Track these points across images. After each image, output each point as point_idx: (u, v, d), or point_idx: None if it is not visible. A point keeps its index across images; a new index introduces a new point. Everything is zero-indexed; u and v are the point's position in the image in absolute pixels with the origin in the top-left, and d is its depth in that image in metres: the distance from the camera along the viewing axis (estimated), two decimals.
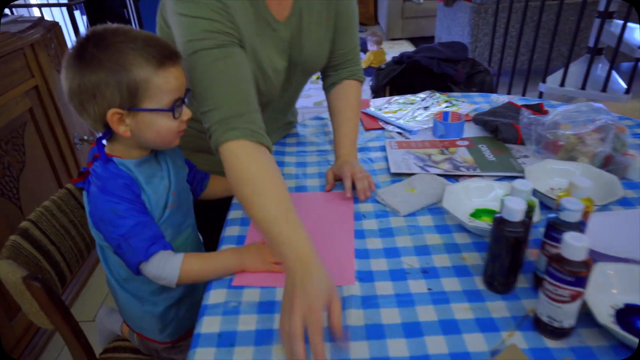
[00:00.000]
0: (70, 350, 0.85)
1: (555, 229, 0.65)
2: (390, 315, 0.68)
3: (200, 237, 0.99)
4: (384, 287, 0.74)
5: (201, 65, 0.78)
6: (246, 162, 0.76)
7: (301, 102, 3.49)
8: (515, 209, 0.64)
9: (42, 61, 1.56)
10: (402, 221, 0.90)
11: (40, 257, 0.84)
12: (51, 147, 1.63)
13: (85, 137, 1.80)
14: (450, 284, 0.74)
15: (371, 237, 0.86)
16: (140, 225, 0.74)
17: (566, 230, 0.64)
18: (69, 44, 1.88)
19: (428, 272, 0.77)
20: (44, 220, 0.87)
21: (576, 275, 0.57)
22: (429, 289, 0.73)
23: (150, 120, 0.73)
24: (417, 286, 0.74)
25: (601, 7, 2.58)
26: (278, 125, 1.21)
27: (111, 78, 0.68)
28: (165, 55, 0.71)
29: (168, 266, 0.75)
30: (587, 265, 0.57)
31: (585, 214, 0.66)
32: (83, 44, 0.69)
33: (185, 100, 0.77)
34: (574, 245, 0.56)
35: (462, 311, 0.68)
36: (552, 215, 0.67)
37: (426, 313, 0.68)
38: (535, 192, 0.86)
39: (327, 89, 1.13)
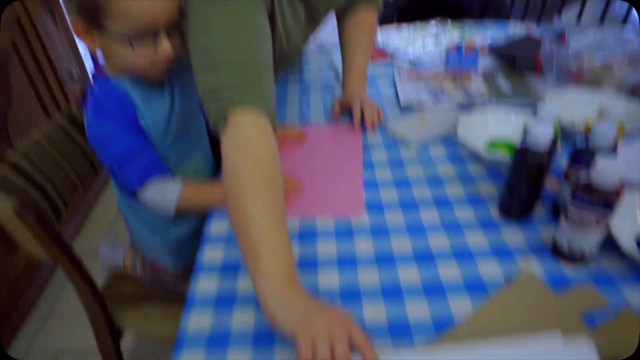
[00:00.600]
0: (72, 282, 0.83)
1: (583, 154, 0.61)
2: (401, 244, 0.65)
3: (214, 164, 0.92)
4: (395, 217, 0.70)
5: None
6: (254, 143, 0.59)
7: None
8: (542, 135, 0.59)
9: None
10: (413, 152, 0.85)
11: (33, 191, 0.79)
12: (38, 83, 1.54)
13: (75, 74, 1.71)
14: (464, 213, 0.70)
15: (380, 169, 0.81)
16: (133, 151, 0.69)
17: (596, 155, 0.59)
18: None
19: (440, 202, 0.73)
20: (34, 153, 0.82)
21: (606, 201, 0.52)
22: (442, 219, 0.70)
23: (112, 45, 0.64)
24: (429, 216, 0.70)
25: None
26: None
27: None
28: None
29: (166, 194, 0.72)
30: (618, 192, 0.52)
31: (616, 140, 0.61)
32: None
33: (169, 36, 0.65)
34: (606, 170, 0.51)
35: (476, 239, 0.65)
36: (581, 140, 0.61)
37: (439, 241, 0.65)
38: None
39: (339, 15, 1.02)
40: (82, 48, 1.86)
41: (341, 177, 0.79)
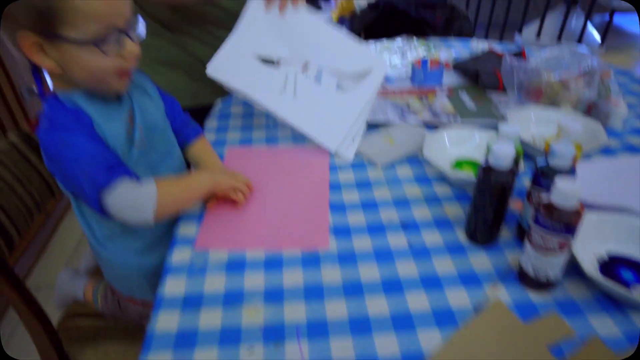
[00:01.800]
0: (22, 320, 0.78)
1: (544, 175, 0.62)
2: (369, 272, 0.64)
3: None
4: (362, 243, 0.69)
5: None
6: None
7: None
8: (504, 155, 0.59)
9: None
10: (380, 173, 0.85)
11: None
12: None
13: (34, 88, 1.64)
14: (431, 237, 0.70)
15: (347, 190, 0.80)
16: (95, 151, 0.63)
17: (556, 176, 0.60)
18: None
19: (408, 226, 0.72)
20: None
21: (567, 223, 0.53)
22: (409, 244, 0.69)
23: (75, 54, 0.59)
24: (397, 240, 0.70)
25: None
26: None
27: None
28: None
29: (141, 193, 0.65)
30: (578, 213, 0.53)
31: (574, 161, 0.62)
32: None
33: (131, 32, 0.63)
34: (566, 191, 0.52)
35: (443, 265, 0.65)
36: (541, 161, 0.62)
37: (407, 268, 0.65)
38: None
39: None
40: None
41: (307, 206, 0.77)
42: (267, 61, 0.90)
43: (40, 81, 0.65)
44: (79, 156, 0.62)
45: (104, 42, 0.59)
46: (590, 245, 0.64)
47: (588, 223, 0.64)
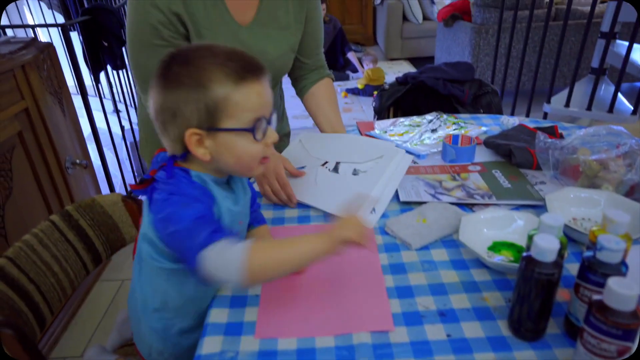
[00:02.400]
0: None
1: (592, 269, 0.58)
2: None
3: None
4: (398, 333, 0.66)
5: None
6: None
7: (301, 123, 3.45)
8: (548, 249, 0.57)
9: (33, 83, 1.51)
10: (414, 255, 0.83)
11: (16, 299, 0.76)
12: (41, 172, 1.56)
13: (78, 161, 1.73)
14: (472, 329, 0.66)
15: (383, 275, 0.78)
16: (206, 217, 0.64)
17: (605, 271, 0.57)
18: (65, 66, 1.84)
19: (446, 315, 0.69)
20: (22, 256, 0.79)
21: (625, 328, 0.49)
22: (448, 335, 0.65)
23: (230, 142, 0.66)
24: (435, 332, 0.66)
25: (604, 28, 2.56)
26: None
27: (190, 96, 0.63)
28: (246, 69, 0.65)
29: (228, 253, 0.62)
30: (637, 316, 0.49)
31: (625, 253, 0.59)
32: (167, 62, 0.66)
33: (272, 121, 0.70)
34: (621, 294, 0.49)
35: None
36: (588, 253, 0.59)
37: None
38: None
39: (301, 93, 1.21)
40: (86, 135, 1.91)
41: (365, 287, 0.75)
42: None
43: (172, 160, 0.69)
44: (190, 215, 0.62)
45: (256, 130, 0.66)
46: None
47: None
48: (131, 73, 0.99)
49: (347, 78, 4.47)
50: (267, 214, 0.98)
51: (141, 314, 0.77)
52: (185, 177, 0.67)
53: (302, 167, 1.06)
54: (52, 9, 3.56)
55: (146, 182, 0.69)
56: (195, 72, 0.63)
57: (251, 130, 0.66)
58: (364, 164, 1.04)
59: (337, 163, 1.05)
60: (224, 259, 0.62)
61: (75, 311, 1.68)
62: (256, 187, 1.00)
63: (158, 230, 0.68)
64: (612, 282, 0.50)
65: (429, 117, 1.40)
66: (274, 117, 0.71)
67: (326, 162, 1.06)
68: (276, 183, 0.96)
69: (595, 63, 2.66)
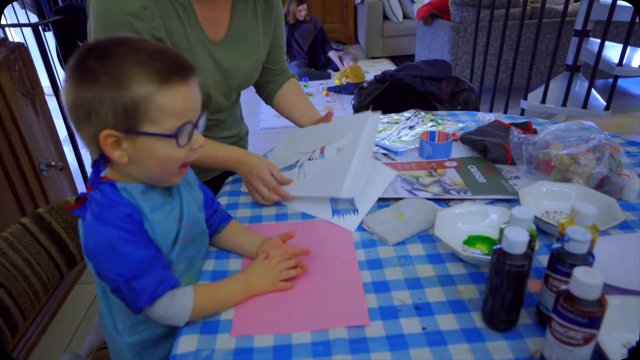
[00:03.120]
0: None
1: (560, 260, 0.60)
2: None
3: None
4: (374, 328, 0.66)
5: None
6: None
7: (283, 122, 3.44)
8: (518, 241, 0.58)
9: (4, 83, 1.47)
10: (391, 251, 0.83)
11: None
12: (14, 175, 1.52)
13: (53, 163, 1.70)
14: (447, 321, 0.67)
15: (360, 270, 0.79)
16: (143, 265, 0.63)
17: (573, 262, 0.58)
18: (39, 66, 1.80)
19: (422, 309, 0.70)
20: None
21: (590, 316, 0.51)
22: (424, 329, 0.66)
23: (150, 147, 0.62)
24: (411, 325, 0.67)
25: (577, 26, 2.62)
26: (232, 141, 1.23)
27: (106, 95, 0.58)
28: (172, 69, 0.61)
29: (177, 307, 0.66)
30: (601, 304, 0.51)
31: (592, 244, 0.60)
32: (84, 55, 0.60)
33: (199, 125, 0.66)
34: (586, 283, 0.50)
35: (461, 353, 0.62)
36: (557, 245, 0.61)
37: (422, 357, 0.61)
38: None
39: (270, 97, 1.23)
40: (62, 137, 1.87)
41: (340, 283, 0.76)
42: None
43: (98, 172, 0.66)
44: (128, 267, 0.62)
45: (179, 136, 0.63)
46: (617, 333, 0.60)
47: (612, 308, 0.61)
48: None
49: (328, 77, 4.48)
50: (245, 212, 0.97)
51: (113, 333, 0.76)
52: (111, 191, 0.64)
53: (292, 167, 1.07)
54: (25, 9, 3.47)
55: (81, 201, 0.65)
56: (114, 69, 0.58)
57: (174, 136, 0.62)
58: (342, 139, 1.04)
59: (322, 148, 1.06)
60: (171, 314, 0.66)
61: (52, 315, 1.65)
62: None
63: (93, 266, 0.66)
64: (578, 271, 0.51)
65: (407, 114, 1.41)
66: (202, 120, 0.67)
67: (313, 152, 1.07)
68: (264, 188, 0.96)
69: (569, 60, 2.72)
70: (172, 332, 0.74)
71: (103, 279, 0.65)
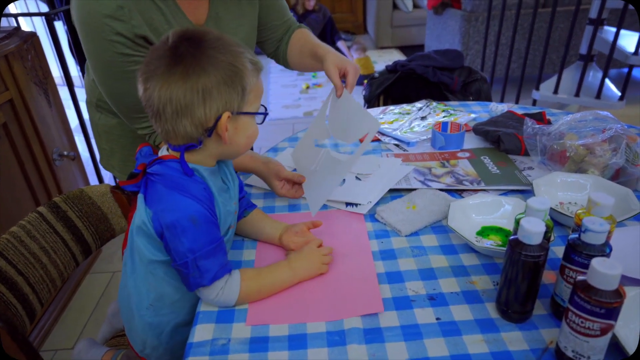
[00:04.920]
0: None
1: (577, 251, 0.59)
2: (396, 351, 0.61)
3: None
4: (389, 318, 0.67)
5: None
6: None
7: (291, 112, 3.43)
8: (534, 232, 0.58)
9: (17, 73, 1.48)
10: (404, 241, 0.83)
11: (4, 291, 0.75)
12: (28, 164, 1.54)
13: (65, 153, 1.71)
14: (461, 312, 0.67)
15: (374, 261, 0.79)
16: (215, 247, 0.67)
17: (590, 253, 0.58)
18: (50, 56, 1.81)
19: (435, 299, 0.70)
20: (9, 248, 0.79)
21: (607, 306, 0.50)
22: (438, 319, 0.66)
23: (246, 125, 0.70)
24: (425, 315, 0.67)
25: (592, 15, 2.57)
26: None
27: (228, 79, 0.64)
28: (255, 59, 0.69)
29: (228, 290, 0.69)
30: (619, 294, 0.51)
31: (609, 235, 0.60)
32: (177, 46, 0.63)
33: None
34: (604, 273, 0.50)
35: (475, 344, 0.62)
36: (573, 236, 0.60)
37: (436, 347, 0.62)
38: None
39: (283, 55, 1.11)
40: (74, 127, 1.88)
41: (355, 273, 0.76)
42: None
43: (183, 154, 0.67)
44: (202, 246, 0.65)
45: (265, 112, 0.72)
46: (634, 324, 0.60)
47: (628, 300, 0.61)
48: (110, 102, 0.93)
49: None
50: (258, 202, 0.98)
51: (135, 310, 0.76)
52: (188, 170, 0.67)
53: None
54: None
55: (136, 177, 0.68)
56: (232, 57, 0.65)
57: (264, 113, 0.72)
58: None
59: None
60: (224, 294, 0.69)
61: (66, 304, 1.68)
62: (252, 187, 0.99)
63: (160, 237, 0.67)
64: (596, 262, 0.50)
65: (418, 104, 1.40)
66: None
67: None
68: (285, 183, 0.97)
69: (583, 49, 2.67)
70: (191, 322, 0.75)
71: (170, 252, 0.67)
